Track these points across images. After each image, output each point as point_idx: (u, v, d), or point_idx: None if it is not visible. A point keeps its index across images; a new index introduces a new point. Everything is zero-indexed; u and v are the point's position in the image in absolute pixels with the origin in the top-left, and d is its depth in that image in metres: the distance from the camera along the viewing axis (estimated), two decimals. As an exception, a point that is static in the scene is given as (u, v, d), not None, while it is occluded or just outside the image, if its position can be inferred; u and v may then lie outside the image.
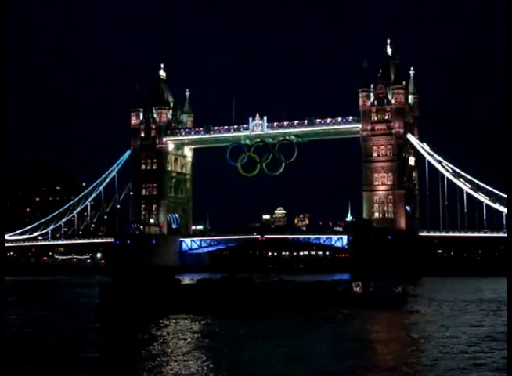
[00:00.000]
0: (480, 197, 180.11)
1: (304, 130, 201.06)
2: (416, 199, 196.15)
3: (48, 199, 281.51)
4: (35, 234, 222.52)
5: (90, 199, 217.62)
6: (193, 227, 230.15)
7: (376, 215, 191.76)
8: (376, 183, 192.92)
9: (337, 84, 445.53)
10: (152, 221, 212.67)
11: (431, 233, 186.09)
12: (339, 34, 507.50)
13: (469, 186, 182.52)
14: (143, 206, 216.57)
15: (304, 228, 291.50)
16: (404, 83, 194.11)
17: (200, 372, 35.98)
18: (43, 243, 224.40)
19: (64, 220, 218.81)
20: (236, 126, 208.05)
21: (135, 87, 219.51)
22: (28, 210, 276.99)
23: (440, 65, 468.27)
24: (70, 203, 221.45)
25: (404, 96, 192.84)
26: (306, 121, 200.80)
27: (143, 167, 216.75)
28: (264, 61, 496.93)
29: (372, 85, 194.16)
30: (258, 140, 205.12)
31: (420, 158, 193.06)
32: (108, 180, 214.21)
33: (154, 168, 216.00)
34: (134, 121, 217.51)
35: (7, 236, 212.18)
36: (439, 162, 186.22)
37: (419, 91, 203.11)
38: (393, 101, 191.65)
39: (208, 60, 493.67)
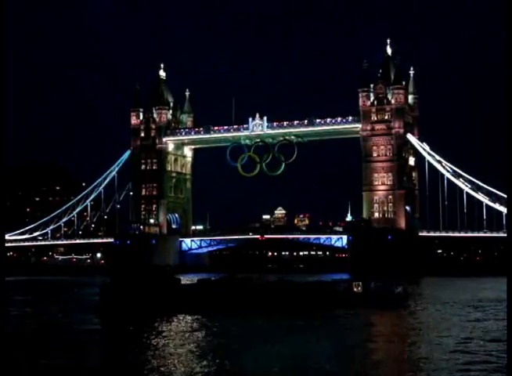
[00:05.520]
0: (480, 197, 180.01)
1: (304, 130, 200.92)
2: (416, 199, 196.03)
3: (48, 199, 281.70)
4: (35, 234, 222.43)
5: (90, 199, 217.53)
6: (193, 227, 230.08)
7: (376, 215, 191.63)
8: (376, 183, 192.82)
9: (337, 84, 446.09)
10: (152, 221, 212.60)
11: (431, 233, 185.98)
12: (339, 34, 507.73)
13: (469, 186, 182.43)
14: (143, 206, 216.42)
15: (304, 228, 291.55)
16: (404, 83, 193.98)
17: (199, 372, 35.98)
18: (43, 243, 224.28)
19: (64, 220, 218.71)
20: (235, 126, 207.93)
21: (135, 87, 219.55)
22: (28, 210, 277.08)
23: (440, 65, 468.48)
24: (70, 203, 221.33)
25: (404, 96, 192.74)
26: (306, 121, 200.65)
27: (143, 167, 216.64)
28: (264, 61, 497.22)
29: (372, 85, 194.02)
30: (258, 140, 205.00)
31: (420, 158, 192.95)
32: (108, 180, 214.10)
33: (154, 168, 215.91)
34: (134, 121, 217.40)
35: (7, 236, 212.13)
36: (439, 162, 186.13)
37: (419, 91, 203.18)
38: (393, 101, 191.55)
39: (208, 60, 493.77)
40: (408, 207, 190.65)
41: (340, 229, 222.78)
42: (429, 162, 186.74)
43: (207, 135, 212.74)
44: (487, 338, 47.33)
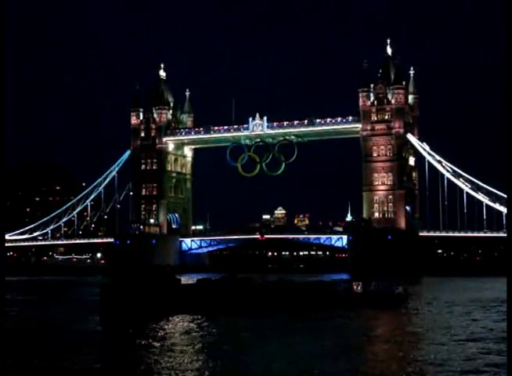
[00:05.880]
0: (480, 197, 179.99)
1: (304, 130, 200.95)
2: (416, 199, 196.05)
3: (48, 199, 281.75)
4: (35, 234, 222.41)
5: (90, 199, 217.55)
6: (193, 227, 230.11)
7: (376, 215, 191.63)
8: (376, 183, 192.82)
9: (337, 84, 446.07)
10: (152, 221, 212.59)
11: (431, 233, 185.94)
12: (339, 34, 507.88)
13: (469, 186, 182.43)
14: (143, 206, 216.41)
15: (304, 228, 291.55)
16: (404, 83, 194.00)
17: (199, 372, 35.98)
18: (43, 243, 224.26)
19: (64, 220, 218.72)
20: (235, 126, 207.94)
21: (135, 87, 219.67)
22: (28, 210, 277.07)
23: (440, 65, 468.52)
24: (70, 203, 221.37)
25: (404, 96, 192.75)
26: (306, 121, 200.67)
27: (143, 167, 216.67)
28: (264, 61, 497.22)
29: (372, 85, 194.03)
30: (258, 140, 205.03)
31: (420, 158, 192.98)
32: (108, 180, 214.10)
33: (154, 168, 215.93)
34: (134, 121, 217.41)
35: (7, 236, 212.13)
36: (439, 162, 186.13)
37: (419, 91, 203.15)
38: (393, 101, 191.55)
39: (208, 60, 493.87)
40: (408, 207, 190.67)
41: (340, 229, 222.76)
42: (429, 162, 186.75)
43: (207, 135, 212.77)
44: (487, 338, 47.31)
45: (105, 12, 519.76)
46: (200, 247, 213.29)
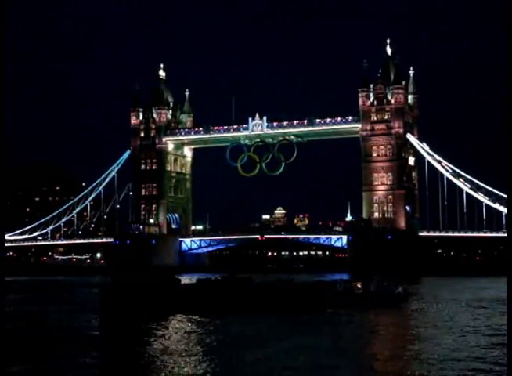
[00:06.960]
0: (480, 196, 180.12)
1: (303, 130, 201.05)
2: (415, 199, 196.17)
3: (48, 199, 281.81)
4: (35, 234, 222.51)
5: (90, 199, 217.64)
6: (193, 227, 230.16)
7: (376, 215, 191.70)
8: (376, 183, 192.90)
9: (337, 84, 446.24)
10: (152, 221, 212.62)
11: (431, 233, 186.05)
12: (339, 33, 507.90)
13: (469, 186, 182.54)
14: (143, 206, 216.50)
15: (303, 228, 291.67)
16: (404, 83, 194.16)
17: (198, 372, 36.02)
18: (43, 243, 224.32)
19: (64, 220, 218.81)
20: (235, 126, 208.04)
21: (135, 87, 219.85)
22: (28, 210, 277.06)
23: (440, 65, 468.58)
24: (70, 203, 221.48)
25: (404, 96, 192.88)
26: (306, 121, 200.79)
27: (143, 167, 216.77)
28: (264, 61, 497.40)
29: (371, 85, 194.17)
30: (258, 140, 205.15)
31: (419, 158, 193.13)
32: (108, 180, 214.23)
33: (154, 168, 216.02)
34: (134, 121, 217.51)
35: (7, 236, 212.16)
36: (439, 162, 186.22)
37: (418, 91, 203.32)
38: (393, 101, 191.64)
39: (208, 60, 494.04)
40: (408, 207, 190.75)
41: (340, 229, 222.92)
42: (429, 162, 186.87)
43: (207, 135, 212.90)
44: (487, 338, 47.35)
45: (105, 12, 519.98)
46: (200, 247, 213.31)
